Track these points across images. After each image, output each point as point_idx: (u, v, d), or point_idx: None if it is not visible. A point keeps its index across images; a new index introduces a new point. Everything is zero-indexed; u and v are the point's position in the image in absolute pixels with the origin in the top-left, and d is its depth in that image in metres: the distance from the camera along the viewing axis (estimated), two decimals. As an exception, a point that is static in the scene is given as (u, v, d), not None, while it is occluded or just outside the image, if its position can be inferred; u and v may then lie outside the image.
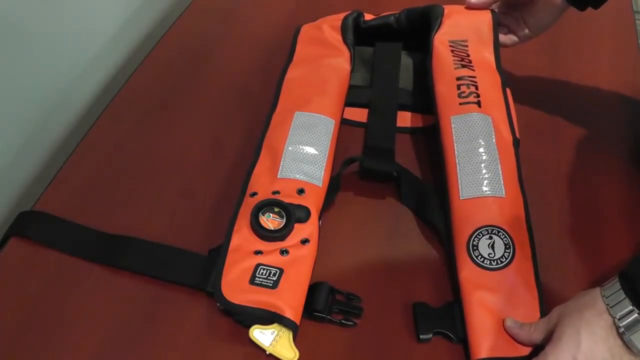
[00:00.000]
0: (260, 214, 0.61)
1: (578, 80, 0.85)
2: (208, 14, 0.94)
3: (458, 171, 0.65)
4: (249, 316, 0.56)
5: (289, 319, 0.55)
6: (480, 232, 0.60)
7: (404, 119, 0.77)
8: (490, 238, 0.60)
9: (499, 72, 0.74)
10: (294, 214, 0.61)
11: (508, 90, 0.73)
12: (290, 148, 0.67)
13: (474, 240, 0.60)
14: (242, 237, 0.60)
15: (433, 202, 0.66)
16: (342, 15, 0.84)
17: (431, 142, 0.73)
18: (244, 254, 0.59)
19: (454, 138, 0.67)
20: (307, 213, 0.62)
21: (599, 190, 0.71)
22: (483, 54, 0.75)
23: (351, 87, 0.77)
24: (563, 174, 0.72)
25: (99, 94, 0.89)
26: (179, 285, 0.59)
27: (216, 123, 0.77)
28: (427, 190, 0.67)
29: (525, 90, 0.82)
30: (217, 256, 0.59)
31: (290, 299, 0.56)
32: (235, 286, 0.57)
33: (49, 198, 0.67)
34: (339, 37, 0.81)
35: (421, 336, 0.56)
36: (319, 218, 0.64)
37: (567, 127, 0.78)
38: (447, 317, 0.57)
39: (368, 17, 0.84)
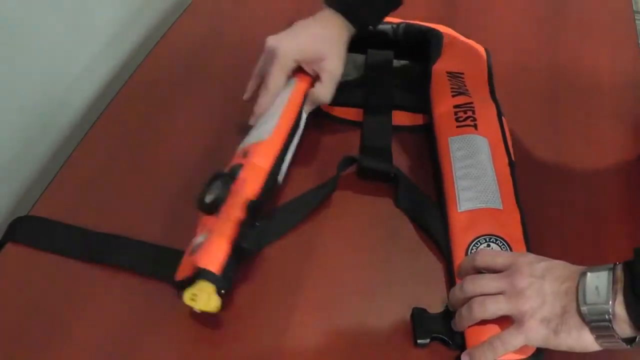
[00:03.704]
0: (205, 196, 0.58)
1: (578, 80, 0.85)
2: (208, 14, 0.94)
3: (455, 186, 0.66)
4: (183, 287, 0.54)
5: (203, 269, 0.53)
6: (479, 240, 0.61)
7: (400, 117, 0.77)
8: (489, 246, 0.61)
9: (495, 103, 0.76)
10: (222, 177, 0.58)
11: (504, 119, 0.74)
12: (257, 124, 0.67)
13: (472, 249, 0.61)
14: (201, 225, 0.59)
15: (430, 212, 0.66)
16: None
17: (428, 139, 0.74)
18: (195, 237, 0.58)
19: (451, 155, 0.68)
20: (239, 169, 0.59)
21: (599, 190, 0.71)
22: (478, 86, 0.78)
23: (345, 88, 0.78)
24: (562, 174, 0.72)
25: (99, 94, 0.89)
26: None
27: (216, 123, 0.77)
28: (425, 200, 0.68)
29: (524, 91, 0.83)
30: None
31: (205, 252, 0.54)
32: (180, 268, 0.56)
33: (48, 200, 0.67)
34: None
35: (418, 341, 0.56)
36: (273, 173, 0.62)
37: (566, 127, 0.78)
38: (445, 322, 0.57)
39: None
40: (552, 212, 0.68)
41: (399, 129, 0.76)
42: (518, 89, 0.82)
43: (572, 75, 0.85)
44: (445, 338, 0.56)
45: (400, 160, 0.71)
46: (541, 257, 0.55)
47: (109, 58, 0.91)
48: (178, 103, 0.79)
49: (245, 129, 0.74)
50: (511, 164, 0.69)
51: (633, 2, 0.99)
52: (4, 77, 0.70)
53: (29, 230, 0.64)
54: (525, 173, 0.69)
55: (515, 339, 0.51)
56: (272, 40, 0.69)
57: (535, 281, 0.51)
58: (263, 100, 0.68)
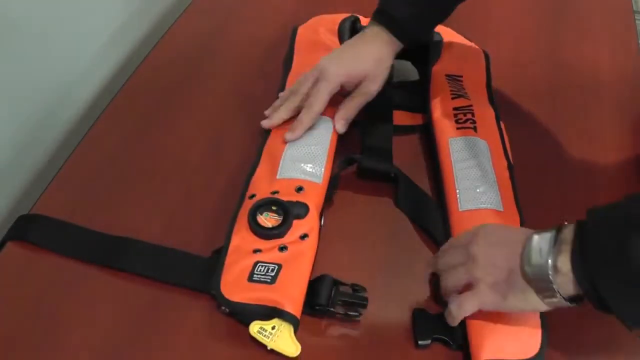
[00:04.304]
0: (258, 213, 0.61)
1: (578, 80, 0.85)
2: (208, 14, 0.94)
3: (456, 186, 0.66)
4: (249, 313, 0.55)
5: (288, 313, 0.55)
6: None
7: (400, 117, 0.77)
8: None
9: (493, 107, 0.76)
10: (291, 211, 0.61)
11: (502, 124, 0.74)
12: (289, 149, 0.67)
13: None
14: (241, 238, 0.60)
15: (431, 212, 0.66)
16: (337, 17, 0.85)
17: (427, 139, 0.74)
18: (243, 253, 0.59)
19: (452, 156, 0.69)
20: (306, 209, 0.62)
21: (599, 190, 0.71)
22: (477, 90, 0.78)
23: None
24: (562, 174, 0.73)
25: (99, 94, 0.89)
26: (178, 287, 0.59)
27: (216, 123, 0.77)
28: (425, 200, 0.68)
29: (524, 90, 0.83)
30: (218, 258, 0.59)
31: (289, 293, 0.56)
32: (234, 284, 0.57)
33: (48, 200, 0.67)
34: (336, 40, 0.81)
35: (419, 342, 0.56)
36: (321, 215, 0.64)
37: (566, 127, 0.78)
38: (445, 323, 0.57)
39: (364, 21, 0.84)
40: (552, 212, 0.68)
41: (399, 128, 0.76)
42: (518, 89, 0.82)
43: (572, 75, 0.86)
44: (446, 339, 0.57)
45: (400, 160, 0.71)
46: (503, 225, 0.58)
47: (109, 58, 0.91)
48: (178, 103, 0.79)
49: (245, 129, 0.75)
50: (510, 167, 0.69)
51: (633, 2, 0.99)
52: (4, 76, 0.70)
53: (34, 228, 0.63)
54: (525, 174, 0.69)
55: (470, 303, 0.54)
56: (323, 61, 0.70)
57: (488, 249, 0.54)
58: (306, 119, 0.69)
